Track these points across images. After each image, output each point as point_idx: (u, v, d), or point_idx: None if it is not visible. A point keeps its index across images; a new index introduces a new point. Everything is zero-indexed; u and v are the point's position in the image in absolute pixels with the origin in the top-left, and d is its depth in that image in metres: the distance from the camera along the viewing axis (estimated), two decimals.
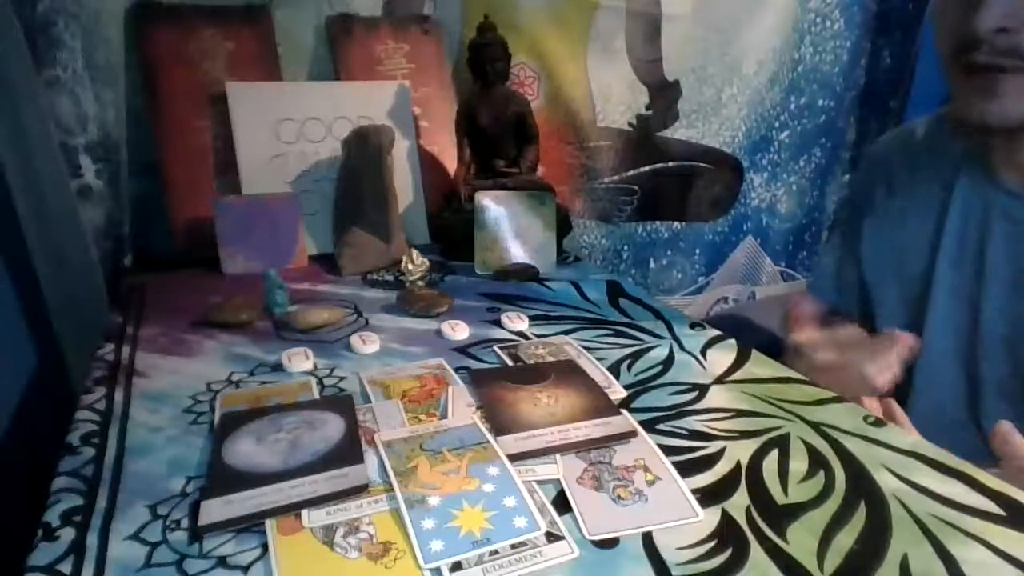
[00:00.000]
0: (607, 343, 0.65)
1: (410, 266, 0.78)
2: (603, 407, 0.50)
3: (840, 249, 0.78)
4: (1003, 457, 0.47)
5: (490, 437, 0.47)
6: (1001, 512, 0.40)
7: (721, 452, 0.47)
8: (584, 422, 0.48)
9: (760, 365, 0.61)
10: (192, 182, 0.91)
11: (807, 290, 0.83)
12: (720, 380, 0.58)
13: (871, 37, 1.34)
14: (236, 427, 0.47)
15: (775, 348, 0.69)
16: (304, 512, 0.39)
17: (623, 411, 0.50)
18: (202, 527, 0.38)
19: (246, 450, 0.45)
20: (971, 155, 0.63)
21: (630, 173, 1.23)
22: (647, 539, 0.38)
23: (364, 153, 0.87)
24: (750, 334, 1.15)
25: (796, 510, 0.40)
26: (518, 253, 0.88)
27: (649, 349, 0.64)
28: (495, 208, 0.88)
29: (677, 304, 1.32)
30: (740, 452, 0.47)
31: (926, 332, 0.66)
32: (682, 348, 0.64)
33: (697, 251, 1.32)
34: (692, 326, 0.69)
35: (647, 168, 1.24)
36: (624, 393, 0.55)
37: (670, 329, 0.69)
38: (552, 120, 1.16)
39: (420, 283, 0.78)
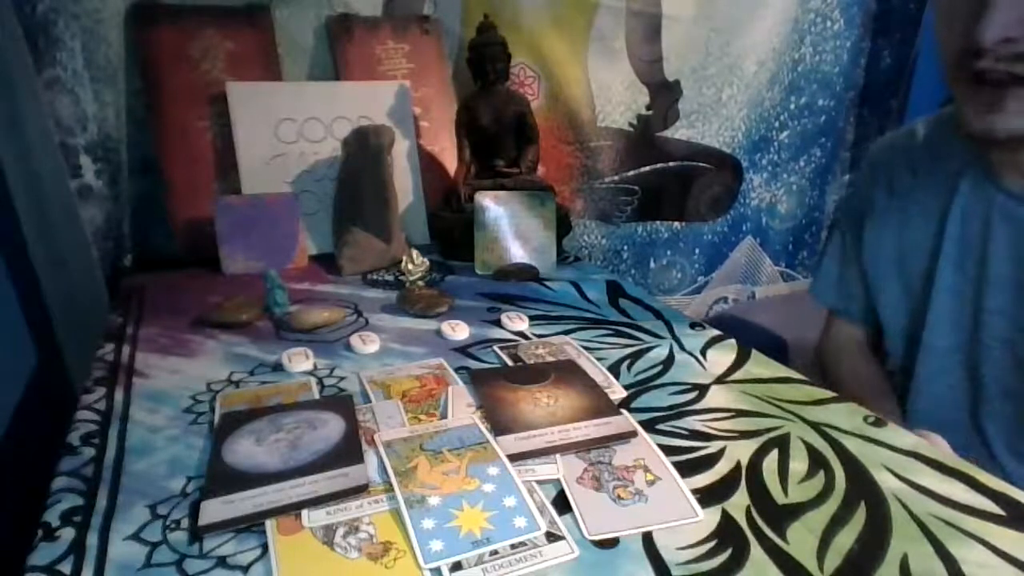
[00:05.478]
0: (607, 343, 0.65)
1: (410, 266, 0.78)
2: (603, 407, 0.50)
3: (840, 251, 0.77)
4: None
5: (490, 437, 0.47)
6: (1001, 512, 0.40)
7: (721, 452, 0.47)
8: (584, 422, 0.48)
9: (760, 365, 0.60)
10: (192, 182, 0.91)
11: (808, 292, 0.83)
12: (720, 380, 0.58)
13: (871, 37, 1.34)
14: (236, 427, 0.47)
15: (774, 348, 0.69)
16: (304, 512, 0.39)
17: (623, 411, 0.50)
18: (202, 527, 0.38)
19: (246, 450, 0.45)
20: (973, 158, 0.63)
21: (630, 173, 1.23)
22: (647, 539, 0.38)
23: (364, 153, 0.87)
24: (749, 336, 1.15)
25: (796, 510, 0.40)
26: (518, 253, 0.88)
27: (649, 349, 0.64)
28: (495, 208, 0.88)
29: (677, 304, 1.32)
30: (740, 452, 0.46)
31: (926, 333, 0.66)
32: (682, 348, 0.64)
33: (697, 251, 1.32)
34: (692, 326, 0.69)
35: (647, 168, 1.24)
36: (624, 393, 0.55)
37: (670, 329, 0.69)
38: (552, 120, 1.16)
39: (420, 283, 0.78)
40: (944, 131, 0.67)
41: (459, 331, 0.67)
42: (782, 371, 0.59)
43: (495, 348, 0.63)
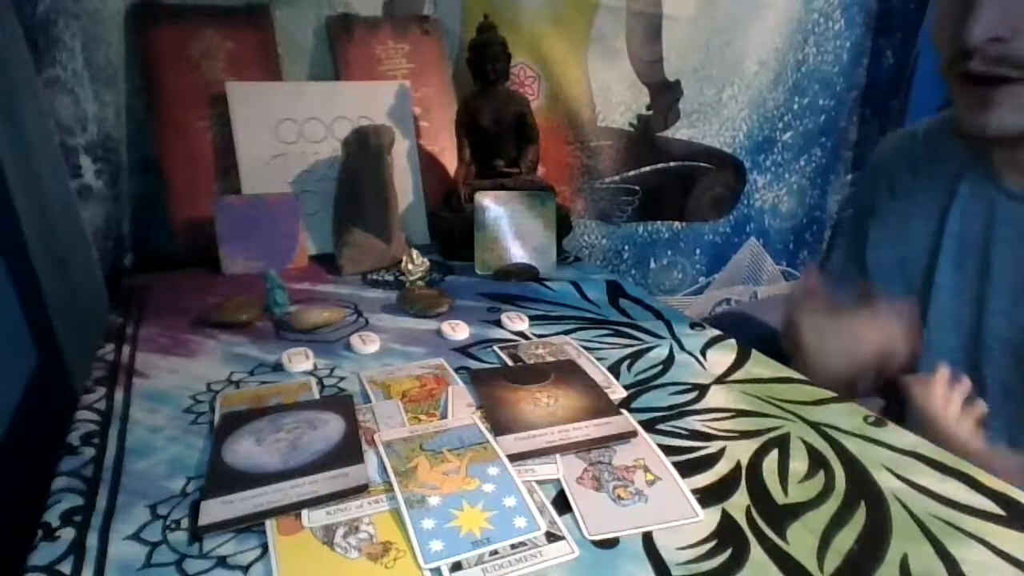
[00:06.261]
0: (607, 343, 0.65)
1: (410, 266, 0.78)
2: (603, 407, 0.50)
3: (845, 250, 0.78)
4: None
5: (490, 437, 0.47)
6: (1001, 512, 0.40)
7: (721, 452, 0.47)
8: (584, 422, 0.48)
9: (760, 365, 0.60)
10: (192, 182, 0.91)
11: None
12: (720, 380, 0.58)
13: (872, 37, 1.34)
14: (236, 427, 0.47)
15: (777, 345, 0.69)
16: (304, 512, 0.39)
17: (623, 411, 0.50)
18: (202, 527, 0.38)
19: (246, 450, 0.45)
20: (972, 159, 0.63)
21: (631, 173, 1.23)
22: (647, 539, 0.38)
23: (364, 153, 0.87)
24: (751, 330, 1.16)
25: (796, 510, 0.40)
26: (518, 253, 0.88)
27: (649, 349, 0.64)
28: (495, 208, 0.88)
29: (678, 305, 1.32)
30: (740, 452, 0.46)
31: (927, 333, 0.66)
32: (682, 348, 0.64)
33: (698, 251, 1.32)
34: (692, 326, 0.69)
35: (648, 168, 1.24)
36: (624, 393, 0.55)
37: (670, 329, 0.69)
38: (552, 120, 1.16)
39: (420, 283, 0.78)
40: (944, 132, 0.67)
41: (459, 331, 0.67)
42: (782, 371, 0.59)
43: (495, 348, 0.63)
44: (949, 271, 0.64)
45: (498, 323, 0.70)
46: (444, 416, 0.50)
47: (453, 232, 0.93)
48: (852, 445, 0.47)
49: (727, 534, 0.38)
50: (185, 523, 0.39)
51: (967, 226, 0.63)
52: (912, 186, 0.69)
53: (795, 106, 1.31)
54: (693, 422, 0.51)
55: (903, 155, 0.71)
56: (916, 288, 0.68)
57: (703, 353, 0.63)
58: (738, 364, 0.60)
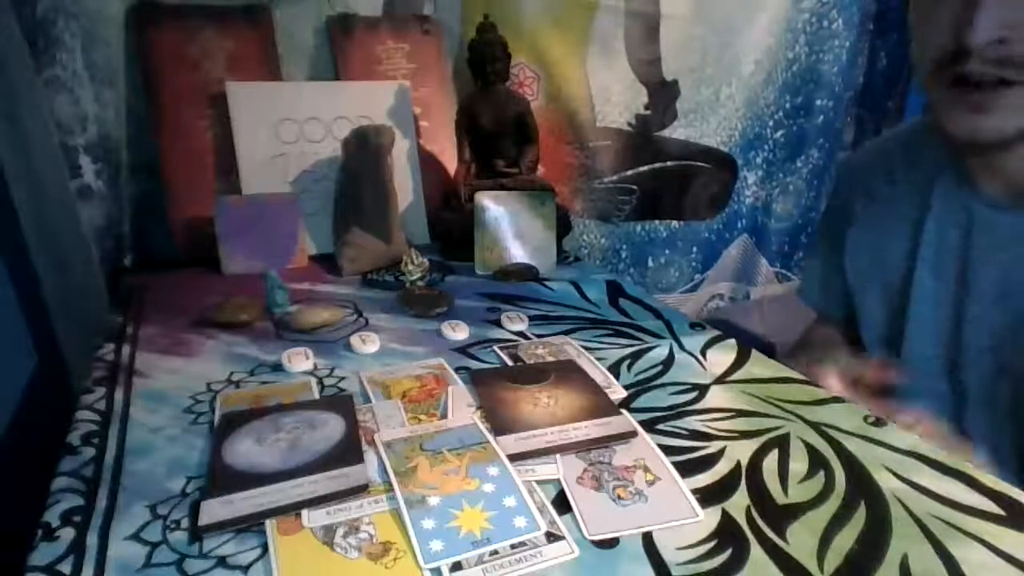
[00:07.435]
0: (607, 343, 0.65)
1: (410, 266, 0.78)
2: (603, 407, 0.50)
3: (824, 256, 0.77)
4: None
5: (490, 437, 0.47)
6: (1001, 512, 0.40)
7: (721, 452, 0.47)
8: (584, 422, 0.48)
9: (760, 365, 0.61)
10: (192, 182, 0.91)
11: (796, 294, 0.82)
12: (720, 380, 0.58)
13: (869, 37, 1.34)
14: (236, 427, 0.47)
15: (762, 350, 0.69)
16: (304, 512, 0.39)
17: (623, 411, 0.50)
18: (202, 527, 0.38)
19: (246, 450, 0.45)
20: (948, 164, 0.62)
21: (629, 173, 1.23)
22: (647, 539, 0.38)
23: (364, 153, 0.87)
24: (741, 338, 1.16)
25: (796, 510, 0.40)
26: (518, 253, 0.88)
27: (649, 349, 0.64)
28: (495, 208, 0.88)
29: (674, 302, 1.32)
30: (740, 452, 0.47)
31: (907, 340, 0.66)
32: (682, 348, 0.64)
33: (694, 249, 1.32)
34: (692, 326, 0.69)
35: (646, 168, 1.24)
36: (624, 393, 0.55)
37: (670, 329, 0.69)
38: (552, 120, 1.16)
39: (420, 283, 0.78)
40: (921, 138, 0.66)
41: (459, 331, 0.67)
42: (782, 371, 0.59)
43: (495, 348, 0.63)
44: (928, 278, 0.63)
45: (498, 323, 0.70)
46: (444, 416, 0.50)
47: (453, 232, 0.94)
48: (852, 445, 0.47)
49: (727, 534, 0.38)
50: (185, 523, 0.39)
51: (944, 233, 0.62)
52: (889, 192, 0.68)
53: (789, 106, 1.30)
54: (693, 422, 0.51)
55: (880, 161, 0.70)
56: (893, 295, 0.67)
57: (703, 353, 0.63)
58: (738, 364, 0.61)
